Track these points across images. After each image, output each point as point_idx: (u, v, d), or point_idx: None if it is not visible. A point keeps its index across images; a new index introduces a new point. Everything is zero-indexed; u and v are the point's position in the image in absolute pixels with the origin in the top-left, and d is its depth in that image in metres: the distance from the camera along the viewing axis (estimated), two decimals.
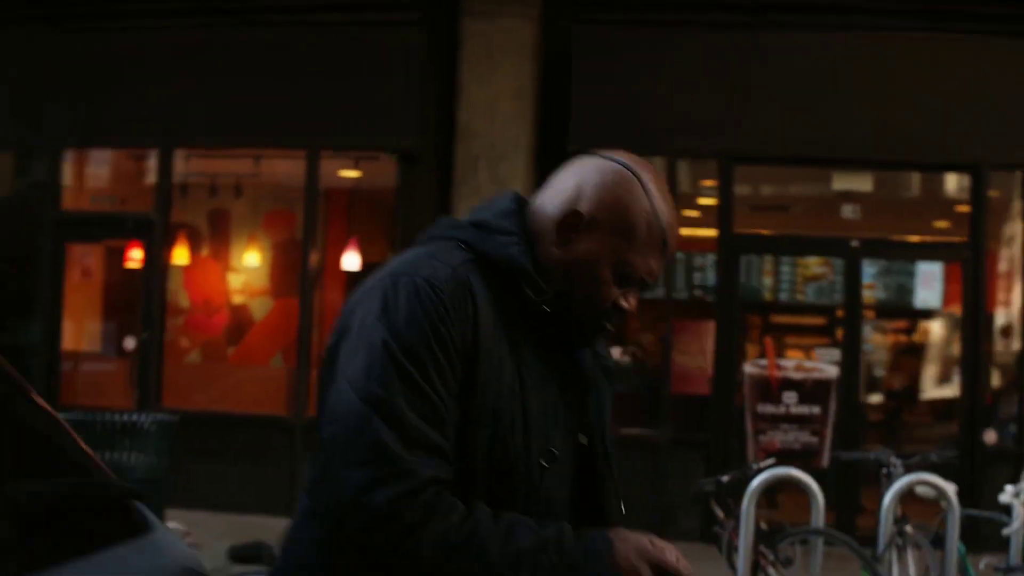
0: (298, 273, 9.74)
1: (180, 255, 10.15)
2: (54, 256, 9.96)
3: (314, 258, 9.74)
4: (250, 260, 10.47)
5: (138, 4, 9.86)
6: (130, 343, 9.97)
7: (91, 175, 10.69)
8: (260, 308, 10.37)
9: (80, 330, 10.49)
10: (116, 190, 10.71)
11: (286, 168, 9.88)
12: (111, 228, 10.09)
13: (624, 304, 1.84)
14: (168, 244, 9.96)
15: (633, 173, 1.83)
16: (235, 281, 10.60)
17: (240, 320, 10.43)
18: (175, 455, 7.70)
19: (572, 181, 1.86)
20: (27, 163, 10.48)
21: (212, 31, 9.65)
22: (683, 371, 9.13)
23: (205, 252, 10.60)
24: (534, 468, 1.76)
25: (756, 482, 5.70)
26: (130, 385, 9.82)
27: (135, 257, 10.03)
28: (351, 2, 9.51)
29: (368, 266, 10.11)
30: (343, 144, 9.57)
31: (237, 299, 10.52)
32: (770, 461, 6.07)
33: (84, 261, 10.41)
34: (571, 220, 1.82)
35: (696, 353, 9.08)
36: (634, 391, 9.30)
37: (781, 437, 8.69)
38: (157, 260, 9.81)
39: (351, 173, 10.22)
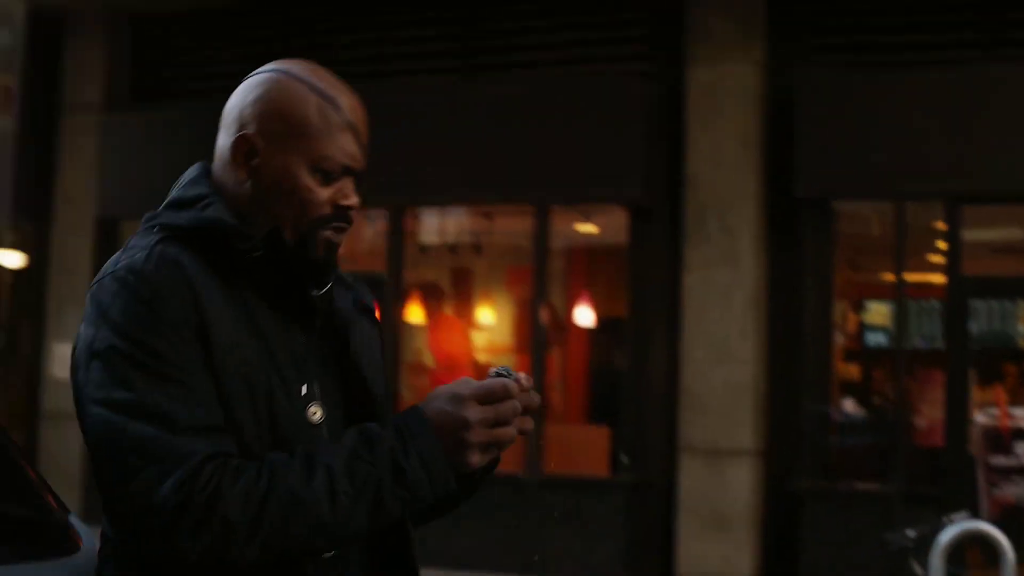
0: (532, 329, 11.46)
1: (415, 314, 12.17)
2: None
3: (548, 314, 11.47)
4: (492, 317, 12.35)
5: (367, 66, 11.99)
6: None
7: None
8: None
9: None
10: (351, 250, 12.92)
11: (524, 225, 11.68)
12: None
13: (344, 201, 2.04)
14: (402, 303, 11.98)
15: (284, 73, 2.05)
16: (478, 339, 12.52)
17: (484, 378, 12.31)
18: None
19: (231, 115, 2.07)
20: None
21: (439, 90, 11.66)
22: (921, 422, 10.26)
23: (448, 310, 12.59)
24: (305, 425, 1.96)
25: (946, 537, 6.10)
26: None
27: None
28: (575, 57, 11.29)
29: (603, 321, 11.81)
30: (572, 198, 11.30)
31: (481, 357, 12.42)
32: (961, 514, 6.68)
33: None
34: (242, 147, 2.03)
35: (932, 403, 10.20)
36: (869, 443, 10.51)
37: (1014, 490, 9.63)
38: (391, 319, 11.85)
39: (585, 227, 11.96)
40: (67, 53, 13.70)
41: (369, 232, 12.44)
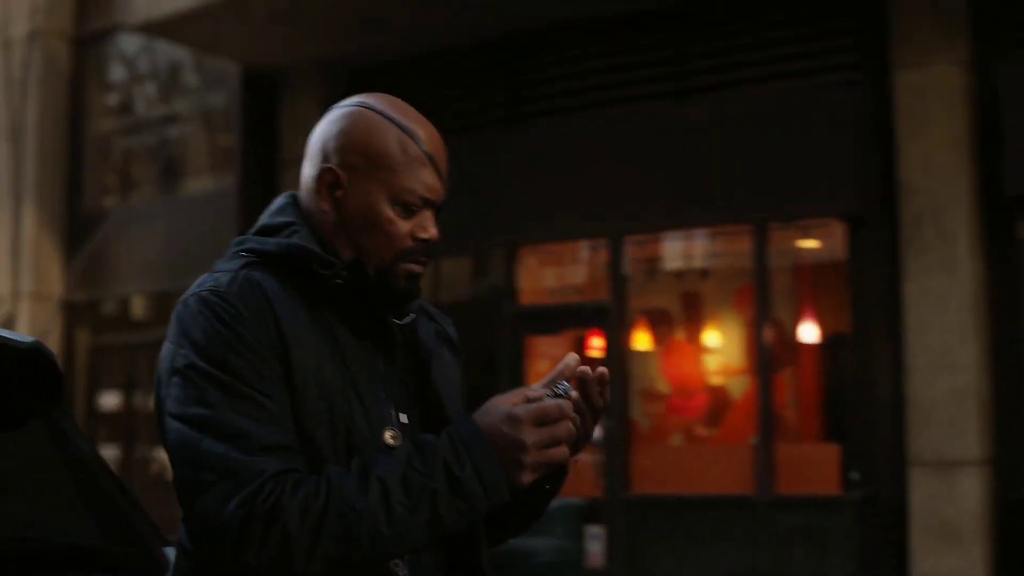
0: (758, 349, 12.88)
1: (641, 341, 13.76)
2: (513, 350, 13.93)
3: (773, 333, 12.88)
4: (723, 340, 13.78)
5: (578, 97, 13.75)
6: (596, 431, 13.70)
7: (547, 269, 14.65)
8: (738, 387, 13.60)
9: None
10: (572, 280, 14.57)
11: (750, 245, 13.07)
12: (568, 319, 13.98)
13: (423, 233, 2.38)
14: (627, 330, 13.58)
15: (365, 107, 2.40)
16: (711, 362, 14.00)
17: (719, 401, 13.79)
18: (636, 538, 11.07)
19: (315, 146, 2.42)
20: (484, 263, 14.71)
21: (650, 116, 13.25)
22: None
23: (678, 335, 14.13)
24: (382, 449, 2.26)
25: None
26: (597, 473, 13.50)
27: (595, 345, 13.81)
28: (782, 72, 12.71)
29: (829, 336, 13.14)
30: (788, 214, 12.71)
31: (715, 380, 13.90)
32: None
33: (550, 352, 14.38)
34: (325, 179, 2.38)
35: None
36: None
37: None
38: (616, 347, 13.46)
39: (806, 243, 13.31)
40: (283, 109, 15.87)
41: (590, 261, 14.07)
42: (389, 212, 2.40)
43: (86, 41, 19.01)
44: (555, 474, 2.50)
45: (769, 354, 12.71)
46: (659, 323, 13.98)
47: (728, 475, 12.92)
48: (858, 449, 12.16)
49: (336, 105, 2.50)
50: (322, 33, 14.57)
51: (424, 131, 2.43)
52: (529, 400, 2.29)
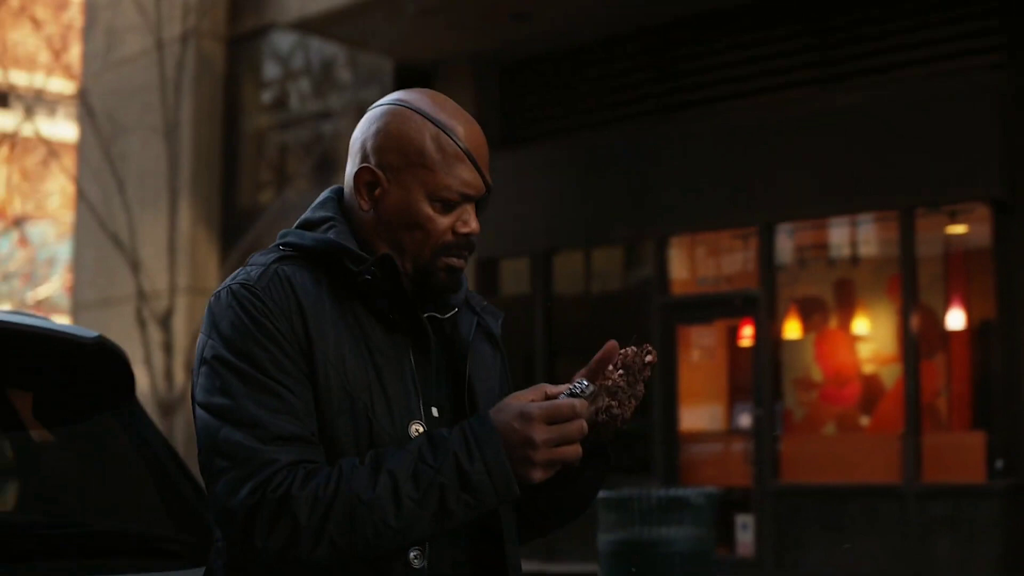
0: (911, 336, 13.58)
1: (793, 329, 14.61)
2: (664, 340, 14.85)
3: (921, 320, 13.65)
4: (876, 328, 14.45)
5: (728, 87, 14.68)
6: (746, 419, 14.64)
7: (698, 257, 15.58)
8: (890, 376, 14.22)
9: (699, 410, 15.34)
10: (722, 270, 15.46)
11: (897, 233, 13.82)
12: (719, 308, 14.91)
13: (464, 228, 2.56)
14: (777, 319, 14.45)
15: (402, 104, 2.58)
16: (864, 350, 14.75)
17: (872, 390, 14.49)
18: (785, 527, 11.86)
19: (356, 144, 2.62)
20: (635, 254, 15.71)
21: (796, 104, 14.15)
22: None
23: (831, 324, 14.92)
24: (406, 441, 2.44)
25: None
26: (747, 462, 14.43)
27: (747, 334, 14.71)
28: (926, 56, 13.51)
29: (976, 323, 13.89)
30: (933, 200, 13.48)
31: (867, 369, 14.69)
32: None
33: (701, 342, 15.33)
34: (364, 178, 2.57)
35: None
36: None
37: None
38: (766, 336, 14.35)
39: (954, 228, 14.02)
40: None
41: (740, 250, 14.96)
42: (428, 209, 2.55)
43: (239, 40, 20.49)
44: (596, 464, 2.66)
45: (916, 342, 13.49)
46: (811, 311, 14.77)
47: (876, 464, 13.71)
48: (1004, 437, 12.92)
49: (376, 103, 2.66)
50: (473, 27, 15.69)
51: (462, 126, 2.57)
52: (547, 397, 2.41)
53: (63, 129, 31.03)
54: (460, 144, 2.57)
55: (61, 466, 4.11)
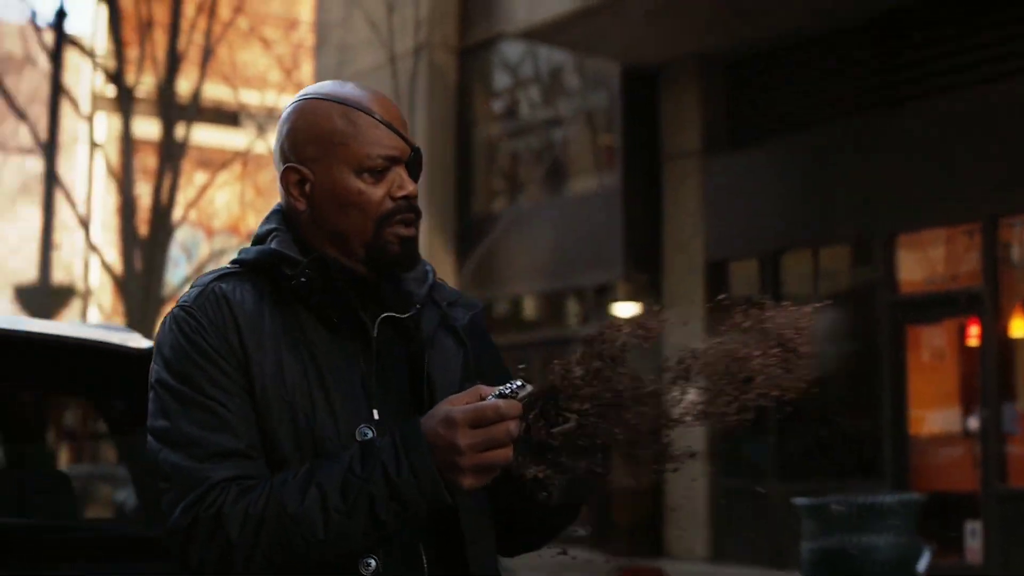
0: None
1: (1020, 327, 14.35)
2: (892, 339, 14.88)
3: None
4: None
5: (947, 77, 14.65)
6: (973, 422, 14.42)
7: (925, 255, 15.44)
8: None
9: (931, 412, 15.16)
10: (950, 267, 15.27)
11: None
12: (944, 307, 14.81)
13: (400, 191, 2.62)
14: (1004, 317, 14.27)
15: (304, 99, 2.68)
16: None
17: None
18: (1013, 534, 11.63)
19: (276, 151, 2.71)
20: (863, 252, 15.66)
21: (1018, 91, 13.99)
22: None
23: None
24: (352, 447, 2.46)
25: None
26: (975, 466, 14.24)
27: (973, 333, 14.53)
28: None
29: None
30: None
31: None
32: None
33: (932, 342, 15.20)
34: (292, 178, 2.65)
35: None
36: None
37: None
38: (992, 334, 14.18)
39: None
40: (663, 104, 17.32)
41: (967, 246, 14.87)
42: (357, 183, 2.59)
43: (470, 51, 21.18)
44: (563, 513, 2.67)
45: None
46: None
47: None
48: None
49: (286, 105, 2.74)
50: (699, 27, 15.98)
51: (367, 97, 2.64)
52: (482, 399, 2.39)
53: None
54: (369, 111, 2.63)
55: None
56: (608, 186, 18.51)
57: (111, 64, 23.10)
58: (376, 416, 2.57)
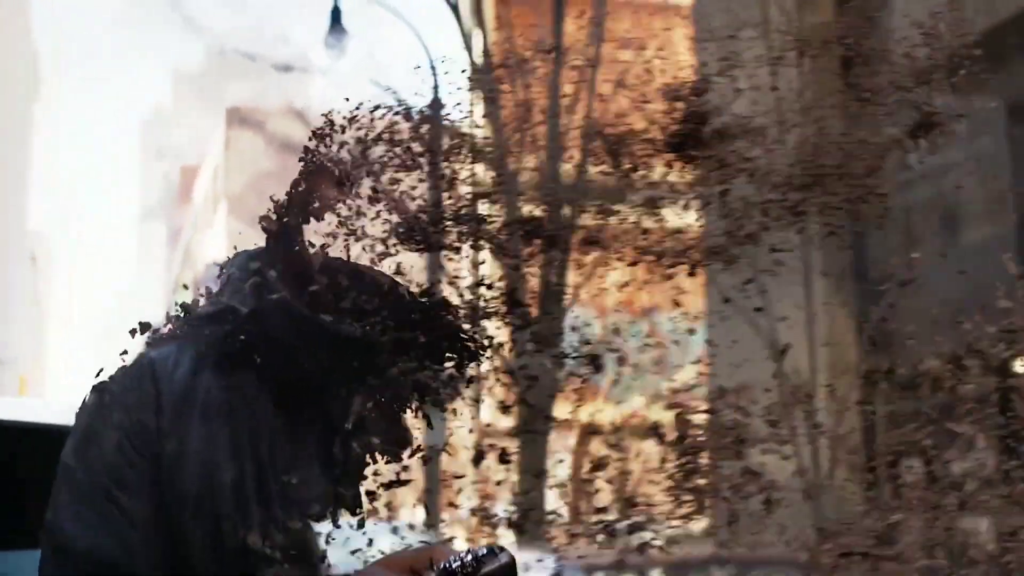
0: None
1: None
2: None
3: None
4: None
5: None
6: None
7: None
8: None
9: None
10: None
11: None
12: None
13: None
14: None
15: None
16: None
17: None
18: None
19: None
20: None
21: None
22: None
23: None
24: (291, 537, 2.30)
25: None
26: None
27: None
28: None
29: None
30: None
31: None
32: None
33: None
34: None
35: None
36: None
37: None
38: None
39: None
40: None
41: None
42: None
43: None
44: None
45: None
46: None
47: None
48: None
49: None
50: None
51: None
52: (430, 565, 2.22)
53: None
54: None
55: None
56: (1000, 233, 18.37)
57: (491, 150, 22.00)
58: (294, 481, 2.39)
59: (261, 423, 2.32)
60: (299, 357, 2.34)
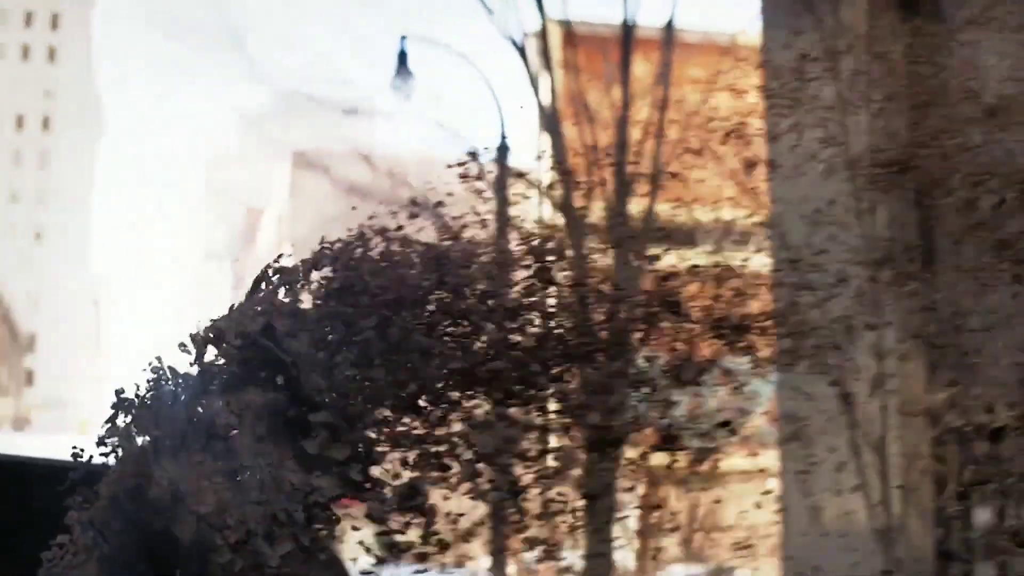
0: None
1: None
2: None
3: None
4: None
5: None
6: None
7: None
8: None
9: None
10: None
11: None
12: None
13: None
14: None
15: None
16: None
17: None
18: None
19: None
20: None
21: None
22: None
23: None
24: None
25: None
26: None
27: None
28: None
29: None
30: None
31: None
32: None
33: None
34: None
35: None
36: None
37: None
38: None
39: None
40: None
41: None
42: None
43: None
44: None
45: None
46: None
47: None
48: None
49: None
50: None
51: None
52: None
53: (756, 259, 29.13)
54: None
55: None
56: None
57: (558, 193, 22.25)
58: None
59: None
60: None
